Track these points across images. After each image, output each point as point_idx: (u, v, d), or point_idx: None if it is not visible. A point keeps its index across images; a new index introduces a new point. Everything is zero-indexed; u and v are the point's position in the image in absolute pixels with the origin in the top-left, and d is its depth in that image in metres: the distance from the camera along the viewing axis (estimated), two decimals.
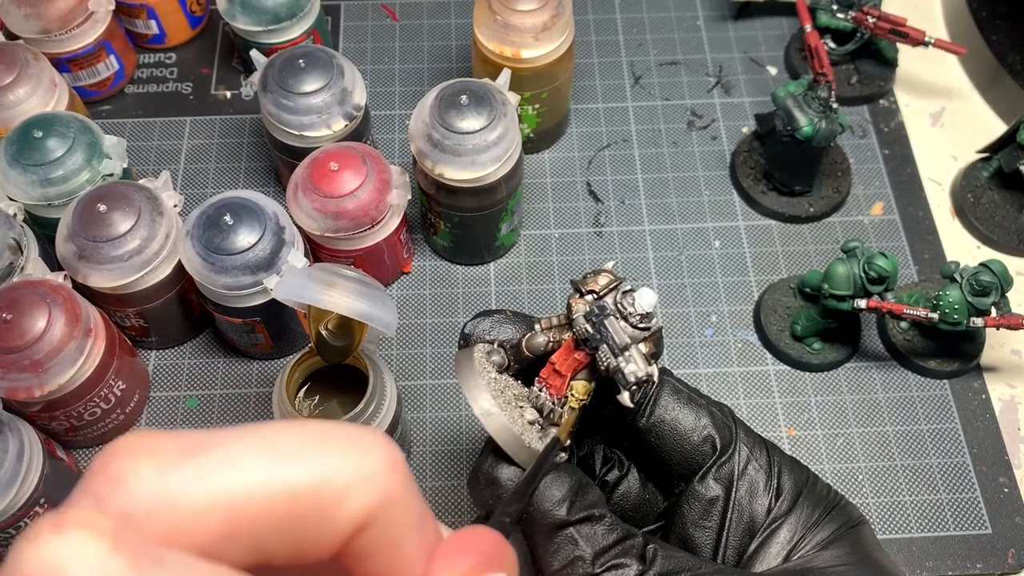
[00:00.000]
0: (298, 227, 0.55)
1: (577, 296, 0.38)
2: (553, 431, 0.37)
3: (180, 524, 0.17)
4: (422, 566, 0.20)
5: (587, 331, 0.36)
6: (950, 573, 0.54)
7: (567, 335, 0.38)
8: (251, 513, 0.18)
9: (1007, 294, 0.55)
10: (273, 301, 0.50)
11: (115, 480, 0.17)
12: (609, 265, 0.38)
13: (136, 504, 0.17)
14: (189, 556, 0.17)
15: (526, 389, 0.39)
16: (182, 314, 0.58)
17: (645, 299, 0.36)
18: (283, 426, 0.19)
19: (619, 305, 0.36)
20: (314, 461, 0.18)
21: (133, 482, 0.17)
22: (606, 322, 0.36)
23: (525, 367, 0.40)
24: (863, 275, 0.54)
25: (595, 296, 0.37)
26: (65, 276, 0.53)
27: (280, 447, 0.18)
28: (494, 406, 0.36)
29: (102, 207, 0.52)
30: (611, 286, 0.37)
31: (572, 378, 0.37)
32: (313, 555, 0.19)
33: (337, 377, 0.53)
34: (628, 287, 0.37)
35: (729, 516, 0.37)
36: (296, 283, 0.46)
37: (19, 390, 0.49)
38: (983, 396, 0.59)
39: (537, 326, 0.39)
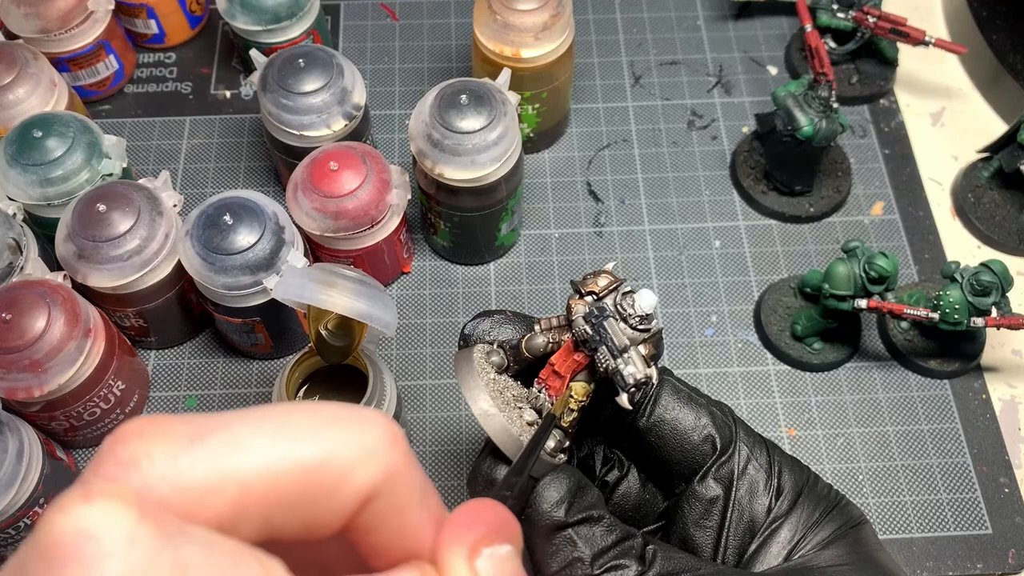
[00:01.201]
0: (298, 227, 0.55)
1: (577, 297, 0.38)
2: (552, 432, 0.37)
3: (192, 504, 0.18)
4: (427, 538, 0.21)
5: (586, 332, 0.36)
6: (950, 573, 0.54)
7: (567, 336, 0.38)
8: (260, 491, 0.18)
9: (1007, 294, 0.55)
10: (273, 301, 0.50)
11: (127, 463, 0.17)
12: (609, 266, 0.38)
13: (149, 486, 0.17)
14: (209, 530, 0.17)
15: (525, 390, 0.39)
16: (182, 314, 0.58)
17: (645, 300, 0.36)
18: (287, 407, 0.20)
19: (619, 306, 0.36)
20: (319, 440, 0.19)
21: (146, 465, 0.17)
22: (605, 323, 0.36)
23: (525, 368, 0.40)
24: (863, 275, 0.54)
25: (595, 297, 0.37)
26: (65, 276, 0.53)
27: (285, 427, 0.19)
28: (493, 407, 0.36)
29: (101, 207, 0.52)
30: (611, 287, 0.37)
31: (571, 379, 0.37)
32: (320, 530, 0.19)
33: (337, 377, 0.53)
34: (628, 288, 0.37)
35: (729, 516, 0.37)
36: (296, 283, 0.46)
37: (19, 390, 0.49)
38: (983, 396, 0.59)
39: (537, 327, 0.39)
